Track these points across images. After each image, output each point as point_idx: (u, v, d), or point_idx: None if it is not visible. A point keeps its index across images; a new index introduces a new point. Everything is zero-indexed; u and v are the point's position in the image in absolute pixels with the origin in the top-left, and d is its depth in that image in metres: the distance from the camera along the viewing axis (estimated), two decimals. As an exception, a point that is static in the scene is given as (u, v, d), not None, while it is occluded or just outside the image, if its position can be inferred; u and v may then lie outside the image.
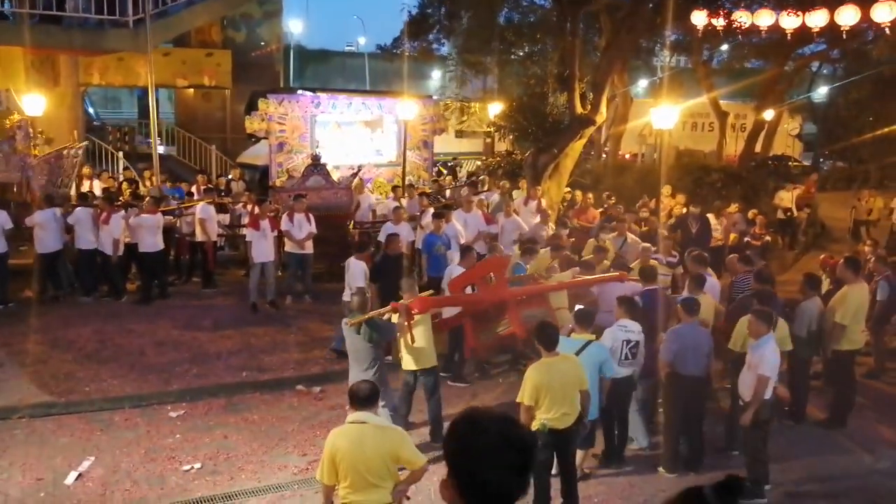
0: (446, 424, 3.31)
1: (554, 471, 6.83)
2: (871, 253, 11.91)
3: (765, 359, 7.10)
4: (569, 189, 17.71)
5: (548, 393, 6.38)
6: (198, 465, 7.58)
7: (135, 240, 12.71)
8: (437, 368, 8.30)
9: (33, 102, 15.27)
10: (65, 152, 15.18)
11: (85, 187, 15.82)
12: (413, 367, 8.13)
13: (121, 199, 14.26)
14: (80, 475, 7.31)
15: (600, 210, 15.45)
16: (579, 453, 7.29)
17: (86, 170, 16.96)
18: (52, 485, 7.14)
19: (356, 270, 10.19)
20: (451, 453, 2.27)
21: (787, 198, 18.63)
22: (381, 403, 7.19)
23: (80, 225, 12.57)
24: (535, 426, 6.45)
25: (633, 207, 15.63)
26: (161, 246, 12.89)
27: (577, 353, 6.96)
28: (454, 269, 10.12)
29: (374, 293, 9.52)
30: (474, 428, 2.26)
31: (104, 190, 15.35)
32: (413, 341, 7.96)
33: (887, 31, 14.35)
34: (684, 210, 15.35)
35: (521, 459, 2.21)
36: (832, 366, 9.22)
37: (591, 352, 7.13)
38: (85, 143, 17.69)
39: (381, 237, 12.84)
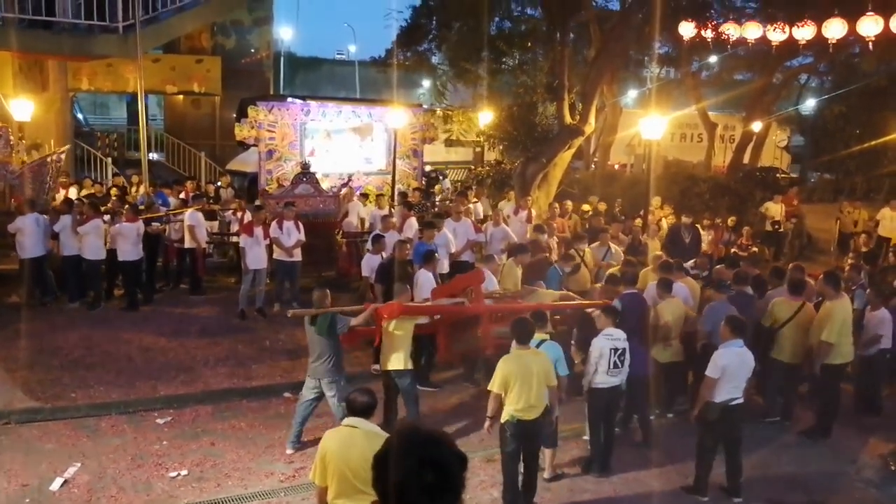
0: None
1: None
2: (851, 265, 11.95)
3: (713, 361, 7.33)
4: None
5: (517, 381, 6.67)
6: (184, 472, 7.57)
7: (114, 247, 12.66)
8: (408, 373, 8.43)
9: (21, 107, 15.23)
10: (48, 159, 15.14)
11: (60, 195, 15.65)
12: (387, 368, 8.40)
13: (108, 204, 14.21)
14: (65, 481, 7.28)
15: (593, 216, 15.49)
16: (547, 452, 7.60)
17: (61, 179, 16.75)
18: (38, 491, 7.11)
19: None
20: (374, 473, 2.27)
21: (774, 209, 18.68)
22: (330, 393, 7.86)
23: (64, 232, 12.52)
24: (504, 418, 6.78)
25: (619, 217, 15.69)
26: (140, 255, 12.78)
27: None
28: (421, 276, 10.27)
29: (381, 294, 10.11)
30: (392, 449, 2.24)
31: (89, 196, 15.27)
32: (384, 343, 8.36)
33: (870, 45, 14.47)
34: (675, 220, 15.43)
35: (440, 480, 2.17)
36: (821, 379, 9.24)
37: (546, 350, 7.32)
38: (67, 147, 17.62)
39: (370, 246, 12.85)
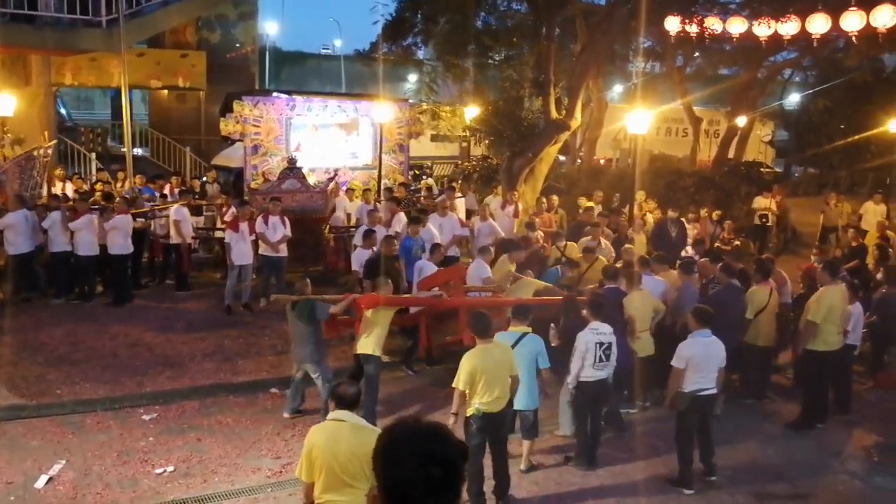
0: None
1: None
2: (818, 260, 11.78)
3: (678, 351, 7.48)
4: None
5: (482, 376, 6.68)
6: (171, 468, 7.54)
7: (106, 241, 12.60)
8: (374, 359, 8.53)
9: (3, 102, 15.10)
10: (35, 153, 15.02)
11: (57, 189, 15.66)
12: (357, 351, 8.63)
13: (93, 200, 14.14)
14: (51, 478, 7.24)
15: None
16: (526, 443, 7.71)
17: (58, 171, 16.78)
18: (23, 488, 7.07)
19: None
20: (375, 468, 2.24)
21: (763, 203, 18.72)
22: (315, 375, 8.29)
23: (53, 228, 12.45)
24: (469, 412, 6.78)
25: (605, 211, 15.69)
26: (130, 249, 12.78)
27: (514, 345, 7.27)
28: (425, 266, 10.60)
29: (369, 289, 10.06)
30: (396, 444, 2.21)
31: (76, 191, 15.20)
32: (361, 327, 8.60)
33: (854, 39, 14.57)
34: (660, 215, 15.48)
35: (444, 475, 2.14)
36: (803, 364, 9.35)
37: (527, 343, 7.38)
38: (54, 142, 17.52)
39: (357, 241, 12.84)
